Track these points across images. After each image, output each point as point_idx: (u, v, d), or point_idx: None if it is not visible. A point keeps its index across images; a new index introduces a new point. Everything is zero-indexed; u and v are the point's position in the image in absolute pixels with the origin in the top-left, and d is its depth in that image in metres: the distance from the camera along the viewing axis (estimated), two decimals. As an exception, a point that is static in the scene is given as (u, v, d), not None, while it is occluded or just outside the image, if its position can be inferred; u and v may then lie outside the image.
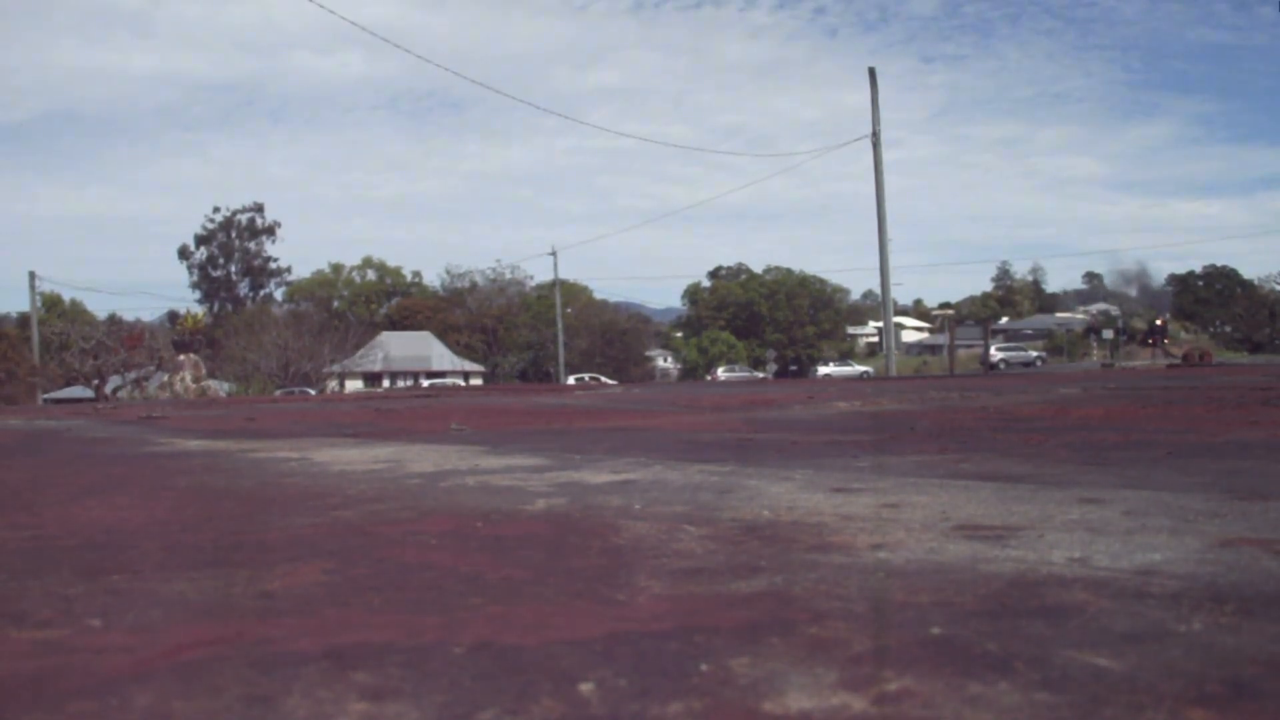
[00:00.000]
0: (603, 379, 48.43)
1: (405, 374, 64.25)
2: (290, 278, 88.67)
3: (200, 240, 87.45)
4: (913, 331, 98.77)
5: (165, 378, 26.78)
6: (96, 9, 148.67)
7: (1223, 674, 0.93)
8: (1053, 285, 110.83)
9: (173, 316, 59.62)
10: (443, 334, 72.76)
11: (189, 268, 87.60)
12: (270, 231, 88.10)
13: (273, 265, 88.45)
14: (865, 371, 55.46)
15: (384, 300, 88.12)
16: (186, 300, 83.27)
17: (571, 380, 48.89)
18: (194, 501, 2.45)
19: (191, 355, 26.27)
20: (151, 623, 1.23)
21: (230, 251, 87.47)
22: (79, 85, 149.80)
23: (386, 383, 60.17)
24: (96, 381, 28.25)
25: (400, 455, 3.53)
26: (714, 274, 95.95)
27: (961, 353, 51.42)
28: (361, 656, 1.05)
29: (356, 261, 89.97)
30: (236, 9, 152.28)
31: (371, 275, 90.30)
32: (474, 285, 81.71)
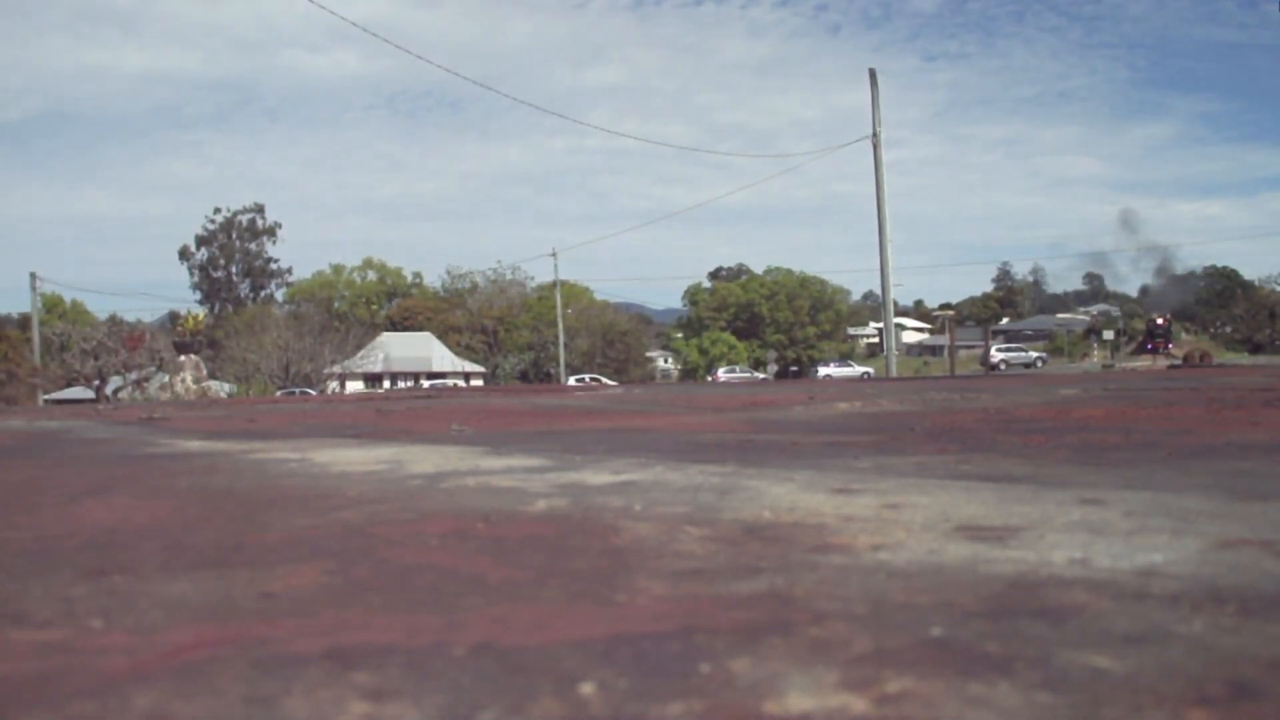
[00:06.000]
0: (603, 380, 48.43)
1: (406, 375, 64.28)
2: (291, 279, 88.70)
3: (201, 241, 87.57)
4: (913, 332, 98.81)
5: (166, 379, 26.78)
6: (86, 7, 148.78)
7: (1223, 675, 0.93)
8: (1053, 286, 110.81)
9: (173, 317, 59.69)
10: (443, 335, 72.77)
11: (190, 269, 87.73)
12: (271, 232, 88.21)
13: (273, 266, 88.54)
14: (866, 372, 55.47)
15: (384, 301, 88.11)
16: (187, 301, 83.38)
17: (572, 381, 48.88)
18: (195, 502, 2.45)
19: (192, 356, 26.29)
20: (152, 623, 1.23)
21: (231, 252, 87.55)
22: (71, 84, 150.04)
23: (387, 384, 60.19)
24: (97, 382, 28.25)
25: (401, 456, 3.53)
26: (714, 275, 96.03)
27: (962, 353, 51.43)
28: (362, 657, 1.05)
29: (357, 262, 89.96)
30: (227, 7, 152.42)
31: (372, 276, 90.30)
32: (474, 286, 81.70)
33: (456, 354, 69.82)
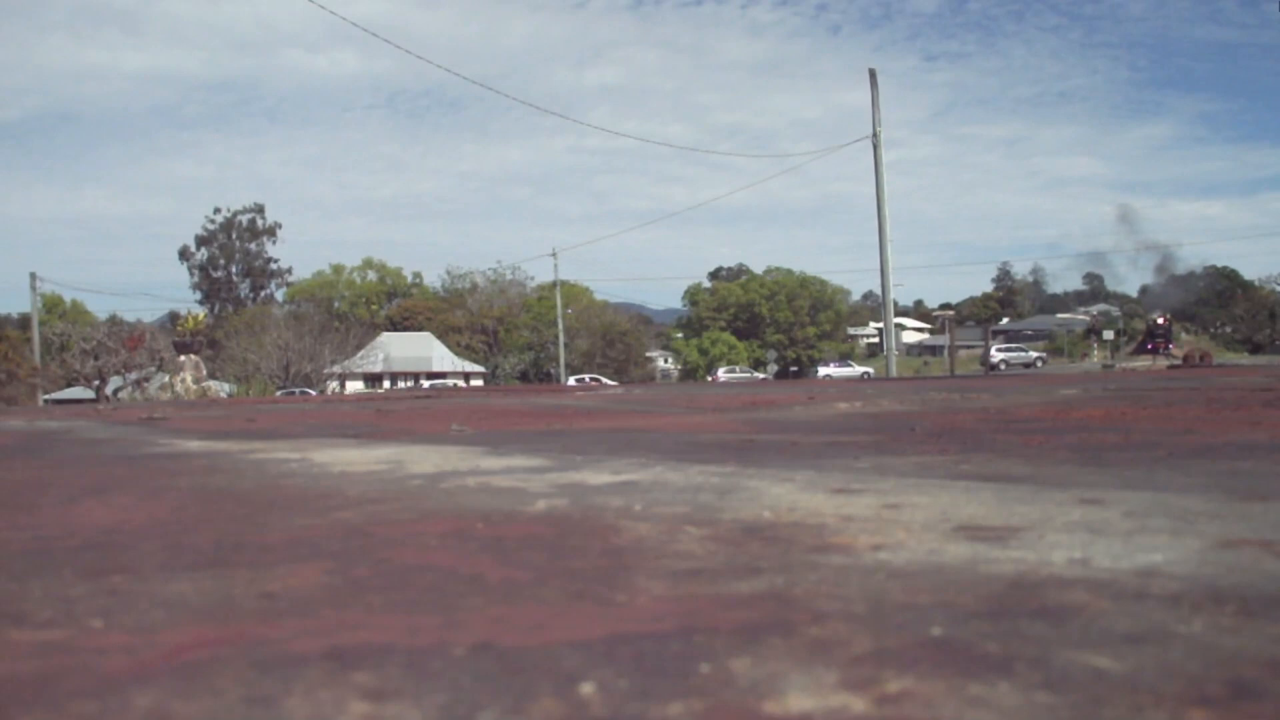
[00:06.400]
0: (603, 380, 48.42)
1: (406, 375, 64.31)
2: (291, 279, 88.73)
3: (201, 241, 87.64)
4: (913, 332, 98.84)
5: (166, 379, 26.75)
6: (86, 7, 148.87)
7: (1223, 675, 0.93)
8: (1053, 286, 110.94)
9: (173, 317, 59.66)
10: (443, 335, 72.79)
11: (190, 269, 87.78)
12: (271, 232, 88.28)
13: (273, 266, 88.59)
14: (866, 372, 55.48)
15: (384, 301, 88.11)
16: (187, 301, 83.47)
17: (572, 381, 48.89)
18: (195, 502, 2.45)
19: (192, 356, 26.24)
20: (152, 623, 1.23)
21: (231, 252, 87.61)
22: (71, 84, 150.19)
23: (387, 384, 60.21)
24: (97, 382, 28.22)
25: (401, 456, 3.53)
26: (714, 275, 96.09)
27: (962, 353, 51.43)
28: (362, 657, 1.05)
29: (357, 262, 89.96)
30: (227, 7, 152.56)
31: (372, 276, 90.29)
32: (474, 286, 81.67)
33: (456, 354, 69.82)
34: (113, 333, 30.91)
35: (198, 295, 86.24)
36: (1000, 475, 2.51)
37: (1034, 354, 64.52)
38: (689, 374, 69.86)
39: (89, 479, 3.17)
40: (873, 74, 26.79)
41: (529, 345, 67.44)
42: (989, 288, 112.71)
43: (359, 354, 53.96)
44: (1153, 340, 53.75)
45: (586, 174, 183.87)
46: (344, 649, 1.09)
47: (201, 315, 31.61)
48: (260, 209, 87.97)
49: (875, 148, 26.37)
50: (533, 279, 78.68)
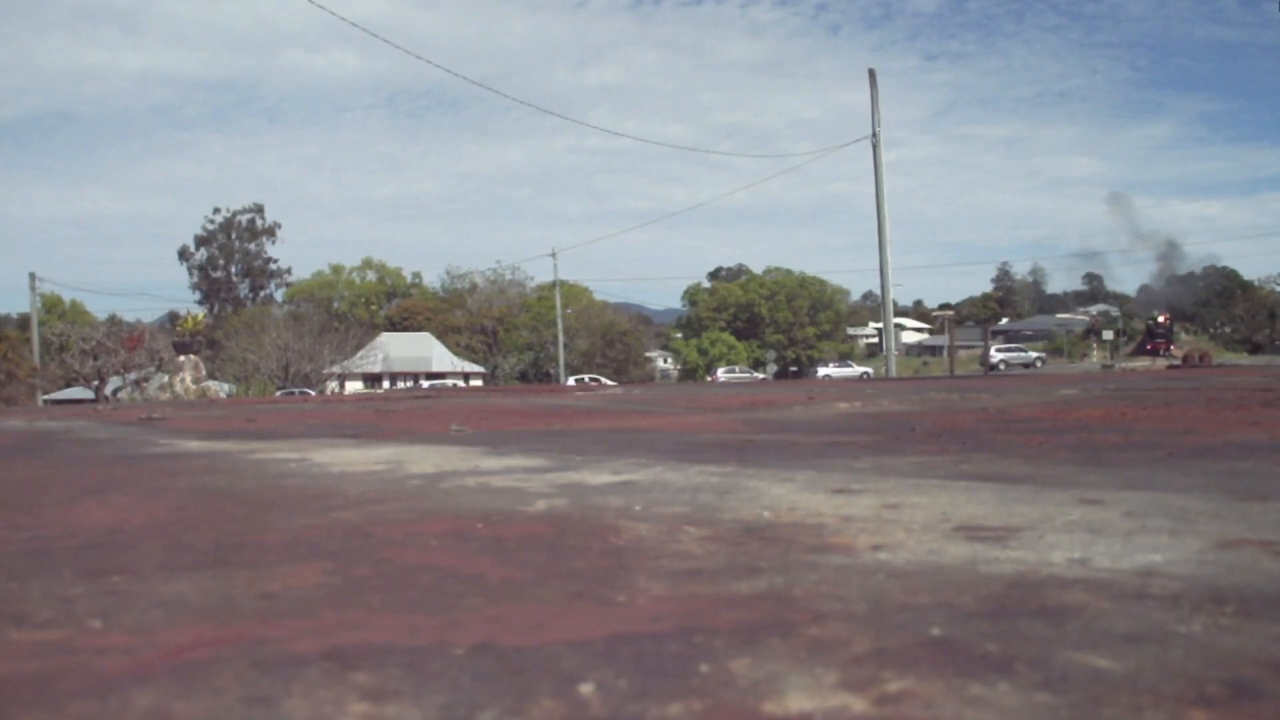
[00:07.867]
0: (603, 380, 48.41)
1: (405, 375, 64.29)
2: (290, 279, 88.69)
3: (200, 241, 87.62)
4: (913, 333, 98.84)
5: (165, 379, 26.73)
6: (85, 7, 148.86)
7: (1223, 675, 0.93)
8: (1053, 286, 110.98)
9: (173, 317, 59.62)
10: (443, 335, 72.75)
11: (189, 269, 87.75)
12: (270, 233, 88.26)
13: (273, 266, 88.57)
14: (865, 372, 55.47)
15: (384, 301, 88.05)
16: (187, 301, 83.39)
17: (571, 381, 48.89)
18: (194, 502, 2.45)
19: (192, 356, 26.21)
20: (152, 623, 1.23)
21: (230, 253, 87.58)
22: (71, 84, 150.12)
23: (386, 384, 60.19)
24: (96, 383, 28.20)
25: (400, 456, 3.53)
26: (714, 275, 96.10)
27: (961, 354, 51.42)
28: (362, 657, 1.05)
29: (357, 262, 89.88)
30: (227, 7, 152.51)
31: (371, 276, 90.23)
32: (474, 286, 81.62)
33: (456, 354, 69.79)
34: (112, 333, 30.87)
35: (197, 295, 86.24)
36: (1000, 475, 2.51)
37: (1033, 354, 64.50)
38: (688, 374, 69.84)
39: (89, 479, 3.16)
40: (872, 74, 26.79)
41: (528, 345, 67.40)
42: (988, 288, 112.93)
43: (358, 354, 53.95)
44: (1153, 340, 53.74)
45: (586, 174, 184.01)
46: (344, 649, 1.09)
47: (201, 315, 31.55)
48: (260, 209, 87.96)
49: (875, 148, 26.37)
50: (532, 279, 78.68)
